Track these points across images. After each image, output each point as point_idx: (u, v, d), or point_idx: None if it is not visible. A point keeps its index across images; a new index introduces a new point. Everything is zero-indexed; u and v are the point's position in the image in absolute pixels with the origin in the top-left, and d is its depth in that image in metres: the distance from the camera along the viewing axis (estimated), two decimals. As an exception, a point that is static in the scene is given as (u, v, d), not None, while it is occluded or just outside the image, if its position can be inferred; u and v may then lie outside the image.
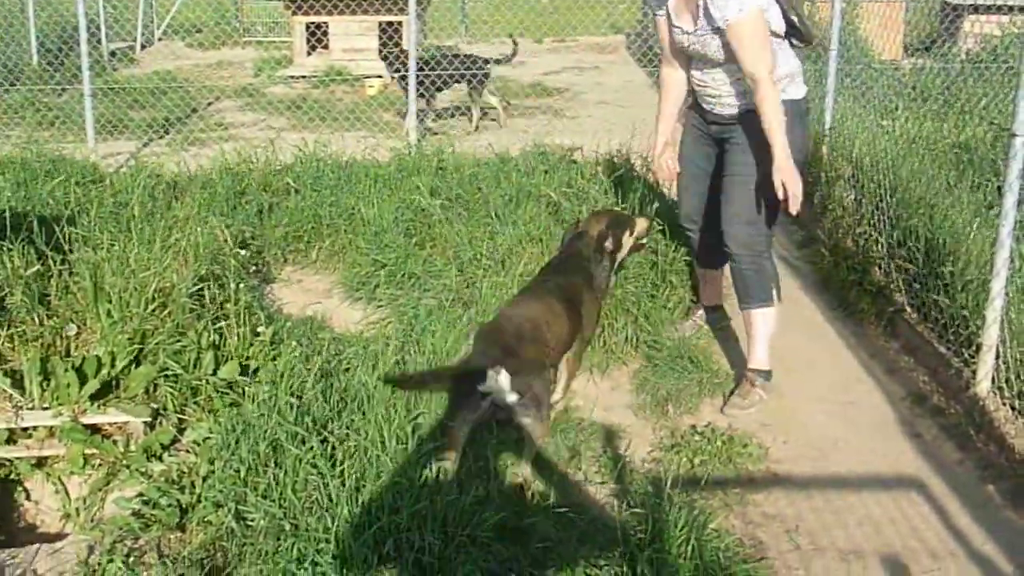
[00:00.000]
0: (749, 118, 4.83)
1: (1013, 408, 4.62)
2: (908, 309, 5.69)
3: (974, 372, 4.83)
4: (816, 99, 7.54)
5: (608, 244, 5.02)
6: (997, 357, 4.73)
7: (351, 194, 7.13)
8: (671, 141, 5.33)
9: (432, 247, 6.34)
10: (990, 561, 3.86)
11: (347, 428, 4.04)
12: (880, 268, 6.06)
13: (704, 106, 5.12)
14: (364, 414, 4.08)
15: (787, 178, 4.55)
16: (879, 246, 6.07)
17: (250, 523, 3.74)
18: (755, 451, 4.56)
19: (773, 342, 5.11)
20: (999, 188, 4.66)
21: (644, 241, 5.30)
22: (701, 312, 5.73)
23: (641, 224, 5.26)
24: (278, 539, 3.62)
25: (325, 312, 5.93)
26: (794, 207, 4.60)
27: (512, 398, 3.99)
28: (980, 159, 6.89)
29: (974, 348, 4.87)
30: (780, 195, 4.59)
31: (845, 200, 6.77)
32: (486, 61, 10.66)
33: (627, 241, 5.15)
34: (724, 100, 4.98)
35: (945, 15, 12.91)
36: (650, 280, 5.72)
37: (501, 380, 3.95)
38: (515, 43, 11.24)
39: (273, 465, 3.89)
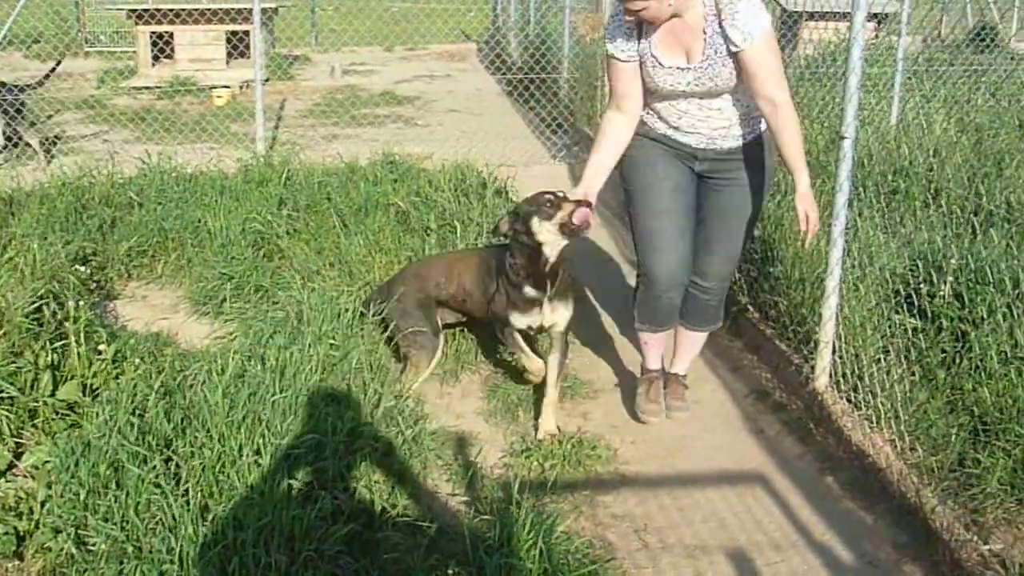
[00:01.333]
0: (749, 148, 4.52)
1: (849, 401, 4.78)
2: (750, 308, 5.83)
3: (813, 368, 4.98)
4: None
5: (500, 227, 4.69)
6: (833, 352, 4.88)
7: (197, 207, 7.01)
8: (590, 195, 4.50)
9: (280, 259, 6.28)
10: (830, 550, 3.99)
11: (191, 446, 3.96)
12: (723, 269, 6.19)
13: (695, 144, 4.54)
14: (208, 431, 4.00)
15: (810, 207, 4.29)
16: (722, 247, 6.20)
17: (91, 548, 3.63)
18: (604, 453, 4.62)
19: (620, 345, 5.28)
20: (832, 189, 4.81)
21: (577, 225, 4.40)
22: (659, 382, 5.07)
23: (565, 209, 4.44)
24: (121, 563, 3.52)
25: (171, 328, 5.80)
26: (811, 238, 4.37)
27: None
28: (816, 161, 7.10)
29: (812, 344, 5.02)
30: (802, 226, 4.31)
31: (689, 203, 6.90)
32: (19, 89, 9.74)
33: (539, 227, 4.48)
34: (732, 131, 4.49)
35: (783, 22, 13.28)
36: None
37: None
38: (58, 60, 10.70)
39: (114, 487, 3.78)
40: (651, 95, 4.52)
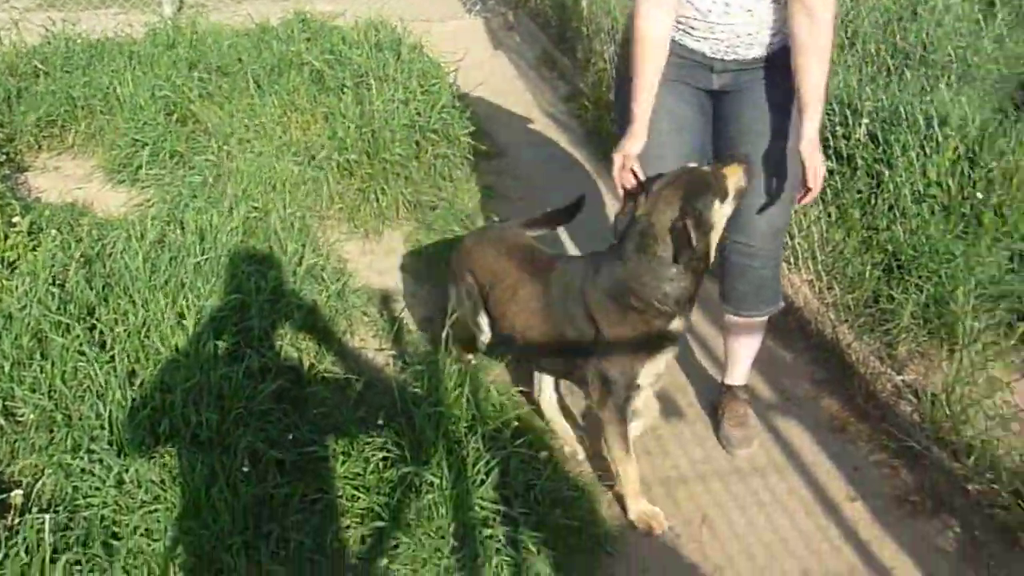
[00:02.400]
0: (781, 57, 3.35)
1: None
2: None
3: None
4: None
5: (691, 240, 3.11)
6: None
7: (105, 73, 6.79)
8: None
9: (194, 123, 6.16)
10: (751, 388, 4.08)
11: (114, 313, 3.94)
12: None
13: (710, 52, 3.43)
14: (131, 297, 3.98)
15: (819, 160, 3.30)
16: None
17: (20, 419, 3.62)
18: (527, 304, 4.66)
19: (540, 195, 5.15)
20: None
21: (744, 186, 3.29)
22: None
23: (734, 176, 3.26)
24: (51, 431, 3.53)
25: (86, 198, 5.69)
26: (812, 199, 3.40)
27: None
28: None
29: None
30: (811, 183, 3.29)
31: (606, 53, 6.87)
32: None
33: (718, 214, 3.23)
34: (760, 38, 3.37)
35: None
36: (414, 141, 5.72)
37: None
38: None
39: (39, 357, 3.77)
40: None
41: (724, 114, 3.58)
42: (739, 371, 3.95)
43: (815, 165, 3.27)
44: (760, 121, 3.43)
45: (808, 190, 3.32)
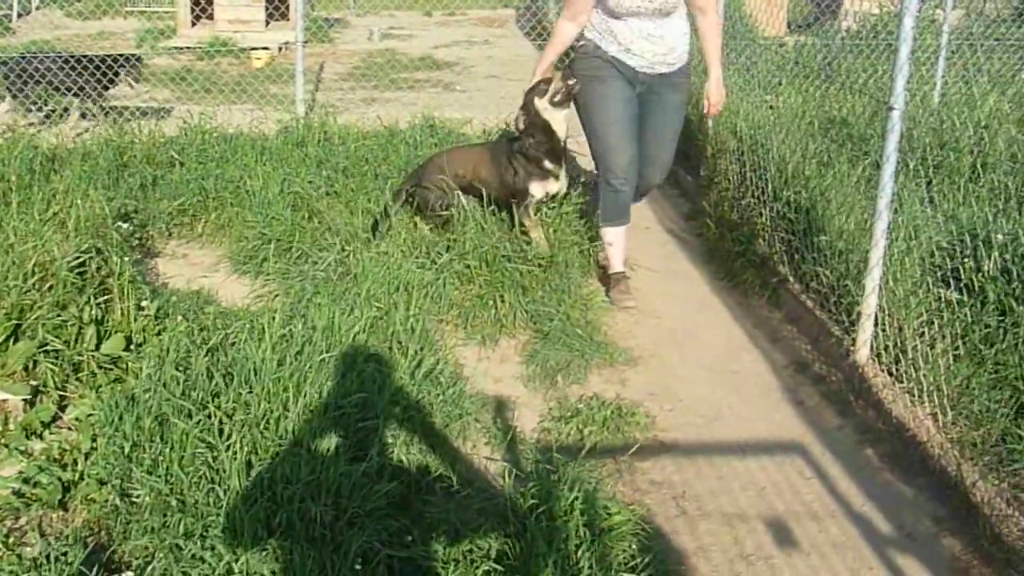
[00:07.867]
0: (677, 74, 5.64)
1: (890, 374, 4.75)
2: (791, 279, 5.80)
3: (854, 340, 4.95)
4: (702, 73, 7.64)
5: (518, 123, 5.88)
6: (876, 325, 4.85)
7: (237, 167, 7.03)
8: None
9: (319, 220, 6.29)
10: (869, 521, 3.98)
11: (235, 402, 3.99)
12: (764, 239, 6.17)
13: (637, 67, 5.57)
14: (251, 388, 4.03)
15: (720, 93, 5.80)
16: (763, 218, 6.18)
17: (135, 500, 3.67)
18: (642, 420, 4.62)
19: (660, 312, 5.48)
20: (877, 161, 4.77)
21: (572, 86, 5.69)
22: (627, 281, 5.91)
23: (557, 80, 5.72)
24: (164, 515, 3.56)
25: (212, 286, 5.84)
26: (714, 112, 5.98)
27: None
28: (858, 134, 7.05)
29: (854, 317, 4.99)
30: (715, 109, 5.86)
31: (730, 173, 6.87)
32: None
33: (542, 105, 5.75)
34: (677, 52, 5.60)
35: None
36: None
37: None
38: None
39: (159, 440, 3.82)
40: (610, 17, 5.51)
41: (643, 104, 5.68)
42: (622, 261, 5.90)
43: (721, 92, 5.80)
44: (663, 118, 5.71)
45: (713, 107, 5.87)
